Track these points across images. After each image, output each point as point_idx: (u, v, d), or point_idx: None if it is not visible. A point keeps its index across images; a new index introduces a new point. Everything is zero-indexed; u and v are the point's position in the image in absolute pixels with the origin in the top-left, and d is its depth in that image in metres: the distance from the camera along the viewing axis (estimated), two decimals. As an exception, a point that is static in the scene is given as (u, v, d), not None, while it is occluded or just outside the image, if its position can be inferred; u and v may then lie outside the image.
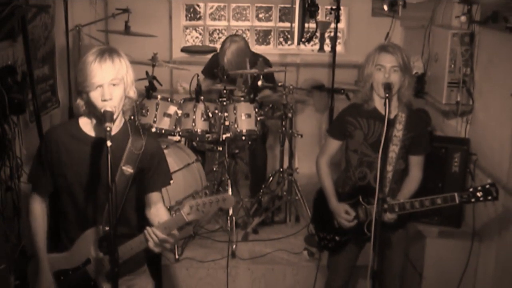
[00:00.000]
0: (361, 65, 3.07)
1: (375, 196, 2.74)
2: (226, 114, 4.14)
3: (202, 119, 4.15)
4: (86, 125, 2.36)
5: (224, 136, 4.12)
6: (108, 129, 2.13)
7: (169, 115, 4.20)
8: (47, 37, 4.38)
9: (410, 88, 2.94)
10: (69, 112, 4.57)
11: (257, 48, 5.79)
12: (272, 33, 6.08)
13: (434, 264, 3.66)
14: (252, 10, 5.96)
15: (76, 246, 2.38)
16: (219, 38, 6.98)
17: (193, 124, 4.13)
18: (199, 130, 4.14)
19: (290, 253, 4.08)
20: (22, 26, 3.60)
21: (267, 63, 4.63)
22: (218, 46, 5.19)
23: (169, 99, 4.24)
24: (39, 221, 2.42)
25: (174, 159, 3.93)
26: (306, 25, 4.76)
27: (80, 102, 2.30)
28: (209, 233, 4.27)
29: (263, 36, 7.28)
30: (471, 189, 2.75)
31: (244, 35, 5.71)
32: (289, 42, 6.43)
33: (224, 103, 4.16)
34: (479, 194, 2.72)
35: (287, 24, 5.87)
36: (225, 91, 4.20)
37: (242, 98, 4.29)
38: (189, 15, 6.72)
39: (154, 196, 2.46)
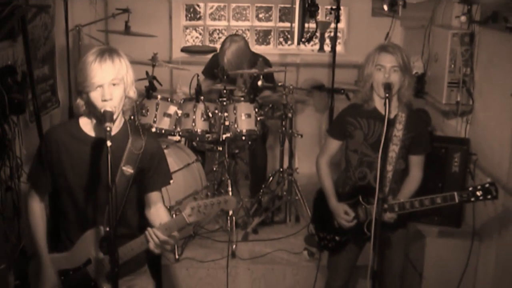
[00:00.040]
0: (361, 65, 3.07)
1: (375, 196, 2.74)
2: (226, 114, 4.14)
3: (202, 119, 4.15)
4: (86, 125, 2.36)
5: (224, 136, 4.12)
6: (108, 129, 2.13)
7: (169, 115, 4.20)
8: (47, 37, 4.38)
9: (410, 88, 2.94)
10: (69, 112, 4.57)
11: (257, 48, 5.79)
12: (272, 33, 6.08)
13: (434, 264, 3.65)
14: (252, 10, 5.96)
15: (76, 247, 2.38)
16: (219, 38, 6.97)
17: (193, 124, 4.13)
18: (199, 130, 4.14)
19: (290, 253, 4.08)
20: (22, 26, 3.60)
21: (267, 63, 4.63)
22: (218, 46, 5.19)
23: (169, 99, 4.25)
24: (38, 219, 2.42)
25: (174, 159, 3.93)
26: (306, 25, 4.76)
27: (80, 102, 2.30)
28: (209, 233, 4.27)
29: (263, 36, 7.27)
30: (470, 188, 2.75)
31: (244, 35, 5.70)
32: (289, 42, 6.43)
33: (224, 103, 4.16)
34: (478, 193, 2.72)
35: (287, 24, 5.87)
36: (225, 91, 4.21)
37: (242, 98, 4.29)
38: (189, 15, 6.71)
39: (154, 195, 2.46)
